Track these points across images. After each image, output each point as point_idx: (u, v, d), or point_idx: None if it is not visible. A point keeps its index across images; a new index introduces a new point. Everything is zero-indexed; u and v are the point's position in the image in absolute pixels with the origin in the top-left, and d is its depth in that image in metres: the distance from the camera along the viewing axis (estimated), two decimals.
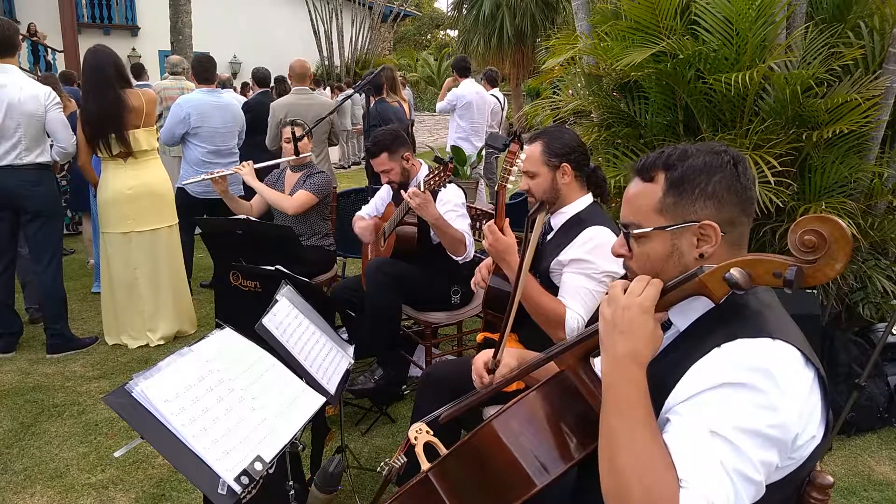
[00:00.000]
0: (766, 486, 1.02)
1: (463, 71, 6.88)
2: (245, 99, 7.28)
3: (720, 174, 1.10)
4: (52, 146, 3.74)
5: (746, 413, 0.95)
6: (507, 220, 2.10)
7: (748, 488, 0.95)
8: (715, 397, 0.98)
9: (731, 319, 1.05)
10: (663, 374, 1.07)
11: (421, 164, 3.19)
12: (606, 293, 1.12)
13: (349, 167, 12.60)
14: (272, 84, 7.15)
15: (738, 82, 2.55)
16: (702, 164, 1.11)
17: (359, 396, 3.08)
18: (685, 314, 1.14)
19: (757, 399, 0.95)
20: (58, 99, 3.68)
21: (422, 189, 2.64)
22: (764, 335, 1.01)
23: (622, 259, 1.22)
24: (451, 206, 2.97)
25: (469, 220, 3.05)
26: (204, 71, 4.77)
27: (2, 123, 3.50)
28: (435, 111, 15.49)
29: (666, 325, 1.18)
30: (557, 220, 2.17)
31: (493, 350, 1.58)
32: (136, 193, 3.84)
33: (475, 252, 3.26)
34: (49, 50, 13.32)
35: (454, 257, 2.91)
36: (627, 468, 0.96)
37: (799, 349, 1.01)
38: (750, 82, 2.56)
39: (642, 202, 1.15)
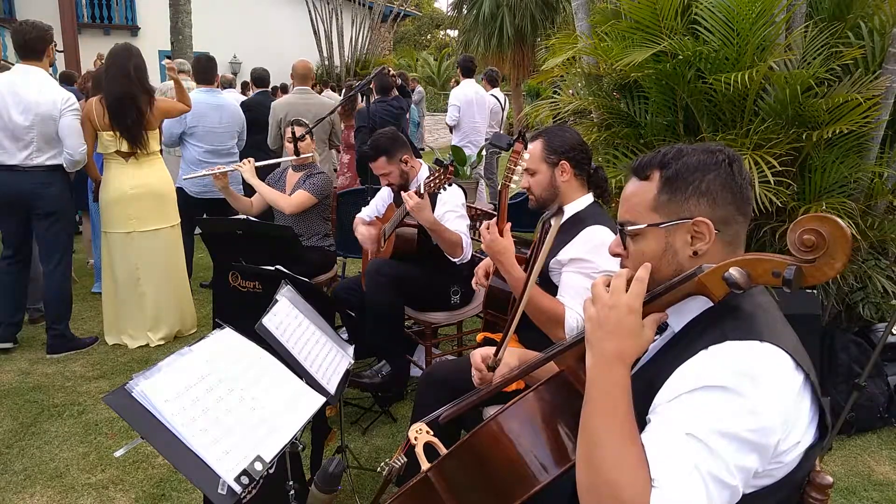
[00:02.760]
0: (762, 489, 1.02)
1: (466, 71, 6.92)
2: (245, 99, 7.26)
3: (714, 172, 1.11)
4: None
5: (725, 416, 0.95)
6: (509, 224, 2.09)
7: (722, 492, 0.94)
8: (695, 400, 0.97)
9: (722, 321, 1.05)
10: (654, 374, 1.07)
11: (421, 164, 3.19)
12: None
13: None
14: (274, 85, 7.16)
15: (738, 82, 2.55)
16: (696, 162, 1.12)
17: (364, 389, 3.08)
18: (681, 315, 1.14)
19: (737, 402, 0.95)
20: (76, 105, 3.67)
21: (422, 191, 2.64)
22: (753, 338, 1.00)
23: (619, 258, 1.22)
24: (450, 206, 2.97)
25: (468, 221, 3.05)
26: (202, 71, 4.78)
27: (16, 124, 3.52)
28: (433, 111, 15.50)
29: (662, 327, 1.18)
30: (557, 219, 2.16)
31: (493, 347, 1.58)
32: (140, 193, 3.84)
33: (475, 252, 3.26)
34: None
35: (451, 259, 2.92)
36: (602, 465, 0.97)
37: (789, 353, 1.01)
38: (750, 82, 2.56)
39: (638, 200, 1.16)
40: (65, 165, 3.71)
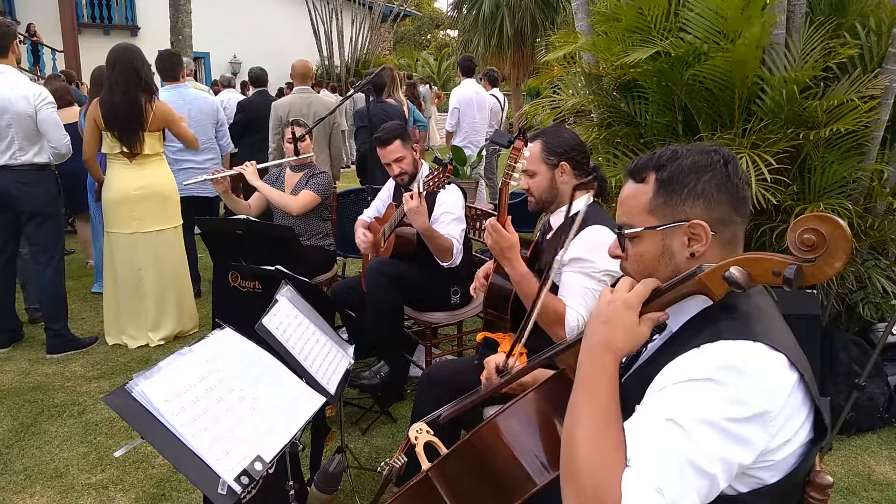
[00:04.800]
0: (761, 489, 1.02)
1: (466, 71, 6.93)
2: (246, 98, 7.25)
3: (710, 173, 1.11)
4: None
5: (707, 404, 0.95)
6: (510, 217, 2.08)
7: (700, 480, 0.94)
8: (679, 389, 0.98)
9: (718, 321, 1.05)
10: (649, 372, 1.08)
11: (422, 163, 3.19)
12: None
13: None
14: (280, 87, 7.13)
15: (731, 77, 2.54)
16: (691, 163, 1.12)
17: (363, 391, 3.08)
18: (680, 315, 1.14)
19: (721, 393, 0.95)
20: (50, 98, 3.66)
21: (421, 190, 2.64)
22: (747, 338, 1.00)
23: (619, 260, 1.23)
24: (447, 207, 2.98)
25: (464, 226, 3.04)
26: (166, 68, 4.62)
27: None
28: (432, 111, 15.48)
29: (662, 327, 1.18)
30: (557, 220, 2.17)
31: (504, 354, 1.59)
32: (143, 194, 3.84)
33: (476, 253, 3.26)
34: (51, 50, 13.31)
35: (440, 262, 2.92)
36: (581, 445, 0.98)
37: (783, 353, 1.01)
38: (743, 78, 2.55)
39: (634, 203, 1.17)
40: (52, 159, 3.70)
